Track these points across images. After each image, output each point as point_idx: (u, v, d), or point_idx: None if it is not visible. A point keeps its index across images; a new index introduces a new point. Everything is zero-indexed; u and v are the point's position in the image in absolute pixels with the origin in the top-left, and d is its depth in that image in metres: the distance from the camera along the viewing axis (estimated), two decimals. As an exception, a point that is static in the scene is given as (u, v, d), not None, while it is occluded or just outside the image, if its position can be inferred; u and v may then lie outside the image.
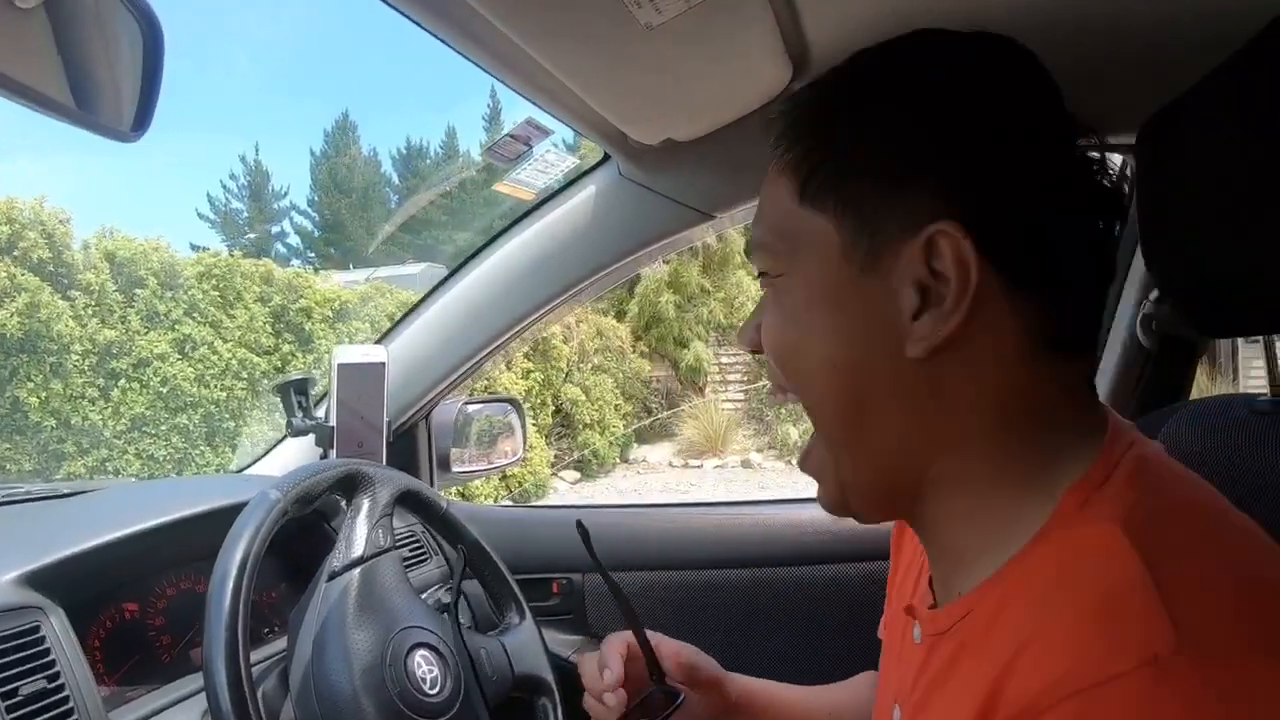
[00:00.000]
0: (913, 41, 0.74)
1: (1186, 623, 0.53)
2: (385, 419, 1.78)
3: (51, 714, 1.08)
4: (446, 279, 1.89)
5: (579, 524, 1.12)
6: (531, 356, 12.41)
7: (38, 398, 8.86)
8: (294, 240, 31.38)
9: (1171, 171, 0.89)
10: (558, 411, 13.18)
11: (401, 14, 1.04)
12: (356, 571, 1.23)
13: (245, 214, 30.33)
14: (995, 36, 0.73)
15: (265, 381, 9.98)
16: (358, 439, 1.75)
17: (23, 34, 0.71)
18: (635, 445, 14.80)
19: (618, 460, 14.21)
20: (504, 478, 10.75)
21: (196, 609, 1.09)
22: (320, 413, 1.82)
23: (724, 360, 15.96)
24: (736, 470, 13.67)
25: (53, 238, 9.03)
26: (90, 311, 9.23)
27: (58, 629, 1.15)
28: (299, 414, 1.78)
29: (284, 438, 1.95)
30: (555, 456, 12.93)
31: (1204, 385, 10.08)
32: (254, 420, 10.00)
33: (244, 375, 9.97)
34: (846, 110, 0.73)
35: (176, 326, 9.66)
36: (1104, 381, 1.73)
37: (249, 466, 2.03)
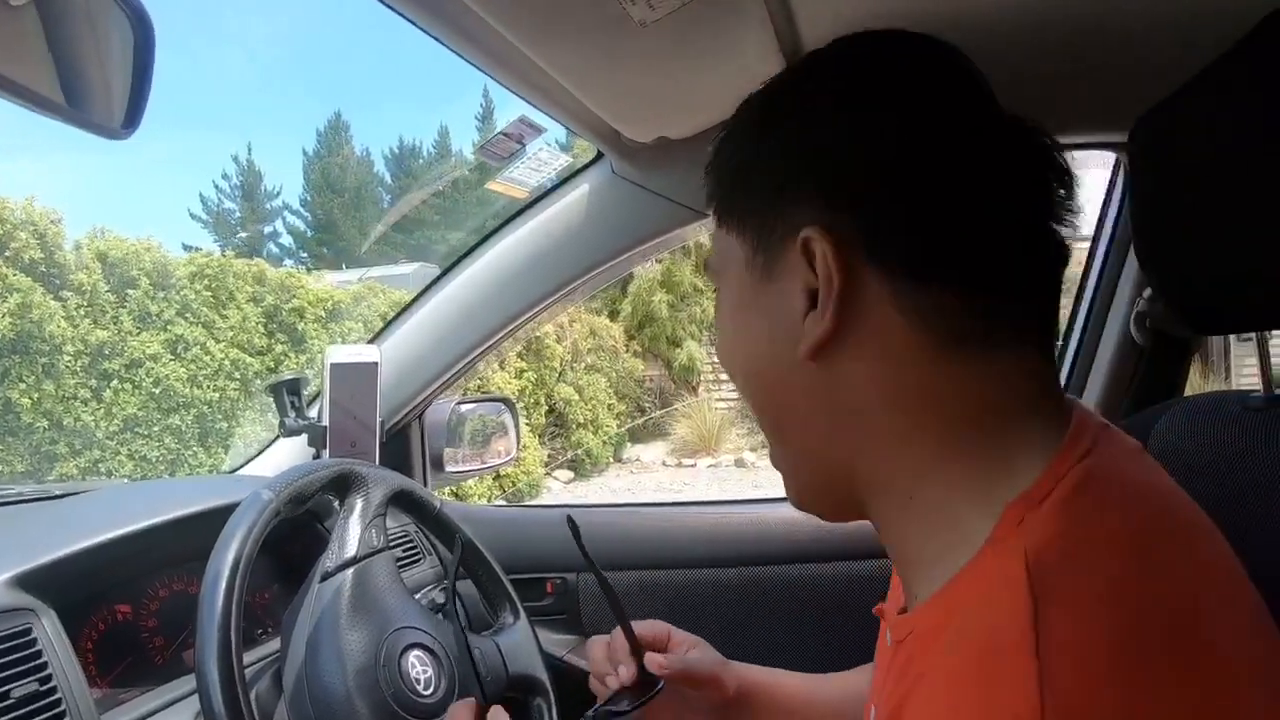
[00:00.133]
0: (816, 56, 0.77)
1: (1055, 689, 0.51)
2: (378, 419, 1.78)
3: (44, 717, 1.07)
4: (439, 278, 1.89)
5: (569, 519, 1.12)
6: (525, 356, 12.41)
7: (30, 399, 8.83)
8: (287, 240, 31.42)
9: (1164, 169, 0.89)
10: (551, 411, 13.17)
11: (395, 11, 1.04)
12: (350, 572, 1.22)
13: (238, 214, 30.35)
14: (907, 37, 0.74)
15: (258, 382, 9.97)
16: (351, 439, 1.75)
17: (13, 31, 0.70)
18: (629, 445, 14.81)
19: (611, 460, 14.22)
20: (497, 477, 10.75)
21: (189, 610, 1.08)
22: (313, 413, 1.81)
23: (717, 360, 15.97)
24: (730, 469, 13.67)
25: (44, 238, 9.01)
26: (82, 312, 9.21)
27: (50, 631, 1.14)
28: (292, 414, 1.78)
29: (277, 438, 1.95)
30: (549, 456, 12.93)
31: (1196, 383, 10.11)
32: (247, 421, 9.98)
33: (237, 376, 9.96)
34: (744, 133, 0.78)
35: (169, 327, 9.64)
36: (1097, 379, 1.73)
37: (242, 467, 2.03)
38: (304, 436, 1.77)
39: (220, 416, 9.88)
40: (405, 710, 1.15)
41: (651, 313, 15.21)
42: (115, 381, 9.29)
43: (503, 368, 11.74)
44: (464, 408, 2.15)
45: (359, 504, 1.29)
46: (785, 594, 1.87)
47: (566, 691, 1.20)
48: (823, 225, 0.68)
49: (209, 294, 9.97)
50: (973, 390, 0.68)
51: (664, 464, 14.11)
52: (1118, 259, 1.72)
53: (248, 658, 1.19)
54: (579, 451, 13.35)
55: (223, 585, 1.02)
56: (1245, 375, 11.93)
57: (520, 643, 1.41)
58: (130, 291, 9.50)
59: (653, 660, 1.12)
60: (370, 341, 1.91)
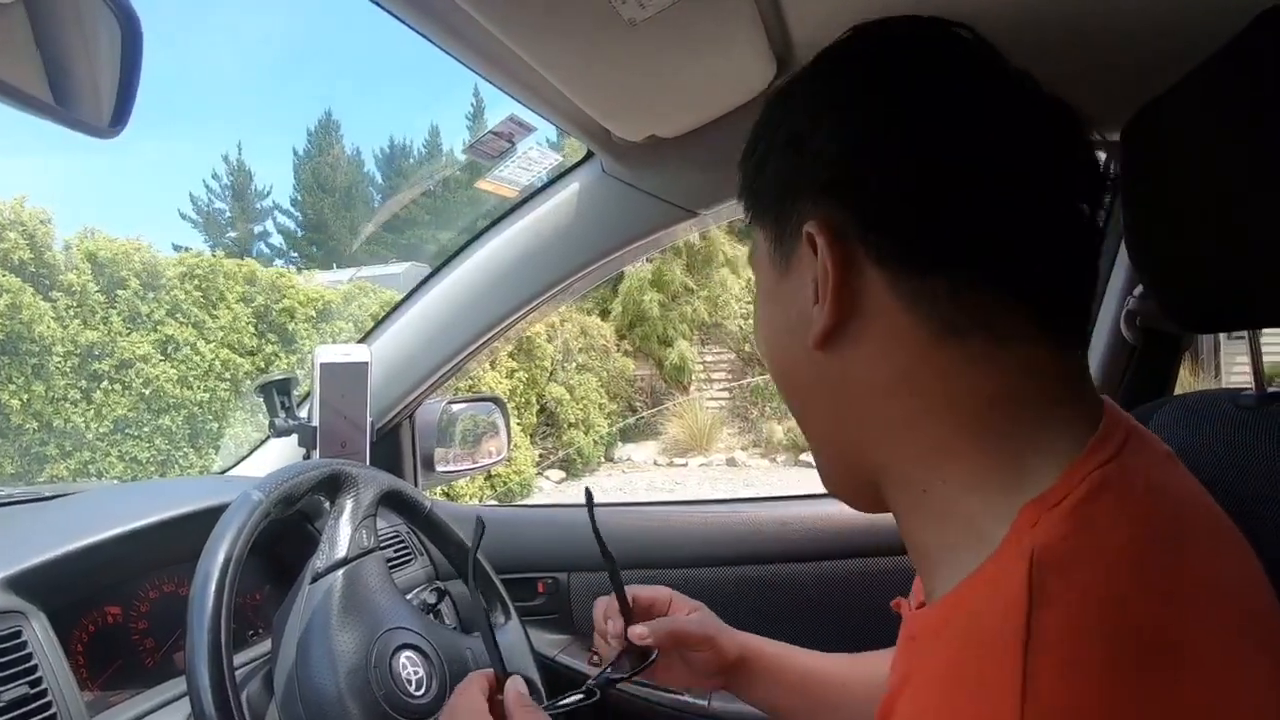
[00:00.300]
0: (829, 50, 0.77)
1: (1036, 689, 0.51)
2: (369, 419, 1.78)
3: (34, 720, 1.07)
4: (430, 278, 1.88)
5: (587, 490, 1.18)
6: (515, 355, 12.42)
7: (19, 400, 8.80)
8: (277, 240, 31.39)
9: (1156, 167, 0.89)
10: (542, 410, 13.18)
11: (385, 10, 1.04)
12: (340, 573, 1.22)
13: (228, 213, 30.30)
14: (912, 21, 0.74)
15: (248, 382, 9.95)
16: (341, 439, 1.74)
17: (1, 30, 0.70)
18: (620, 444, 14.83)
19: (602, 459, 14.23)
20: (488, 477, 10.77)
21: (179, 612, 1.08)
22: (303, 413, 1.81)
23: (708, 359, 16.01)
24: (721, 468, 13.70)
25: (34, 238, 8.98)
26: (72, 313, 9.18)
27: (40, 634, 1.14)
28: (282, 414, 1.77)
29: (267, 438, 1.94)
30: (540, 456, 12.94)
31: (1187, 381, 10.15)
32: (237, 421, 9.97)
33: (227, 376, 9.94)
34: (762, 129, 0.79)
35: (159, 327, 9.61)
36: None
37: (232, 468, 2.02)
38: (294, 437, 1.77)
39: (210, 417, 9.86)
40: (397, 711, 1.14)
41: (642, 312, 15.23)
42: (105, 382, 9.26)
43: (493, 367, 11.75)
44: (455, 407, 2.15)
45: (349, 504, 1.28)
46: (780, 591, 1.87)
47: (559, 691, 1.20)
48: (821, 218, 0.69)
49: (199, 294, 9.95)
50: (975, 383, 0.67)
51: (655, 463, 14.12)
52: (1108, 257, 1.72)
53: (238, 659, 1.19)
54: (570, 451, 13.36)
55: (213, 586, 1.02)
56: (1236, 373, 11.97)
57: (512, 643, 1.40)
58: (120, 292, 9.47)
59: (633, 631, 1.16)
60: (361, 341, 1.91)
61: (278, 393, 1.78)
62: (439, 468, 2.10)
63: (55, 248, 9.27)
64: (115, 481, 8.41)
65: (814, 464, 0.86)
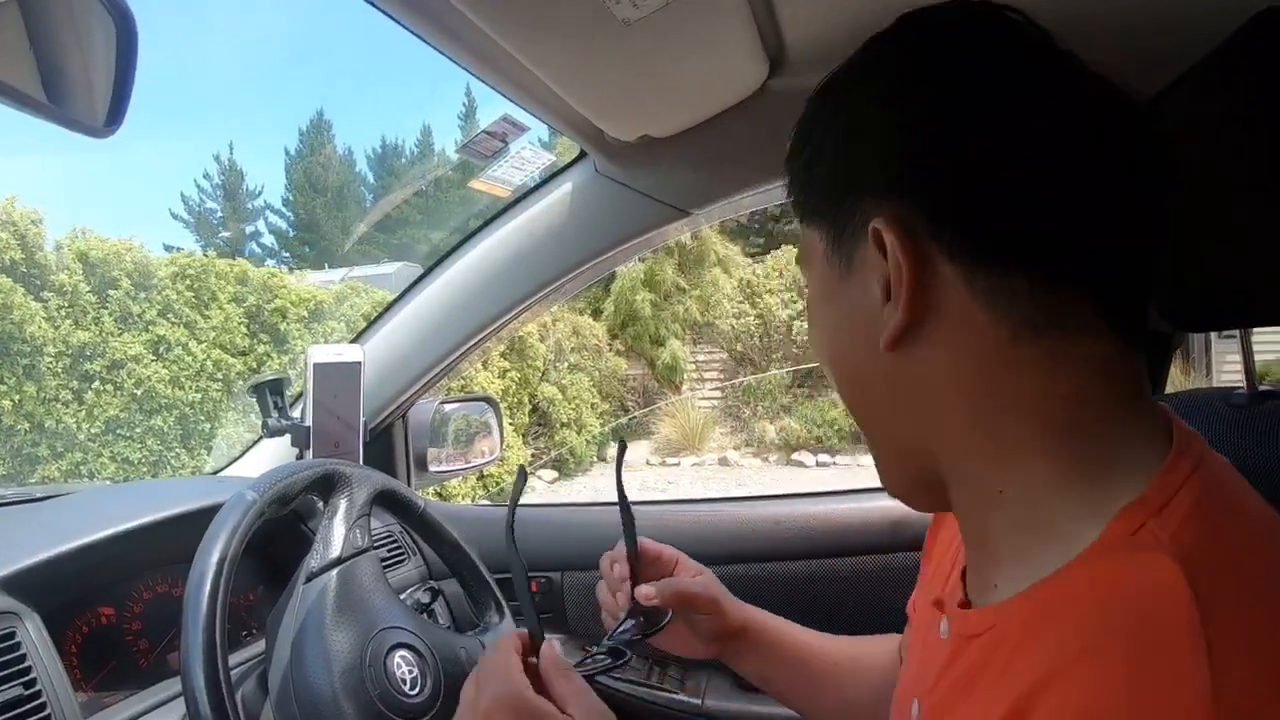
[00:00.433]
0: (877, 39, 0.75)
1: (1228, 687, 0.50)
2: (361, 419, 1.78)
3: (28, 721, 1.07)
4: (422, 278, 1.88)
5: (620, 440, 1.17)
6: (508, 355, 12.41)
7: (11, 401, 8.79)
8: (268, 240, 31.37)
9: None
10: (534, 410, 13.18)
11: (378, 9, 1.04)
12: (334, 572, 1.22)
13: (219, 213, 30.29)
14: (972, 9, 0.71)
15: (240, 382, 9.94)
16: (334, 439, 1.74)
17: (-6, 29, 0.70)
18: (612, 444, 14.80)
19: (595, 459, 14.22)
20: (481, 477, 10.74)
21: (173, 612, 1.08)
22: (296, 413, 1.81)
23: (700, 358, 16.01)
24: (714, 468, 13.70)
25: (25, 238, 8.97)
26: (63, 313, 9.17)
27: (33, 635, 1.14)
28: (275, 414, 1.77)
29: (260, 439, 1.94)
30: (532, 455, 12.94)
31: (1178, 379, 10.17)
32: (229, 421, 9.95)
33: (219, 376, 9.93)
34: (810, 126, 0.77)
35: (150, 328, 9.60)
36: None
37: (225, 468, 2.02)
38: (287, 437, 1.77)
39: (203, 417, 9.84)
40: (391, 710, 1.14)
41: (635, 311, 15.23)
42: (97, 383, 9.25)
43: (486, 367, 11.74)
44: (447, 407, 2.15)
45: (343, 504, 1.28)
46: (772, 590, 1.87)
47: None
48: (889, 214, 0.67)
49: (191, 294, 9.94)
50: (1050, 383, 0.66)
51: (648, 463, 14.11)
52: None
53: (233, 659, 1.18)
54: (563, 451, 13.35)
55: (207, 587, 1.02)
56: (1226, 372, 12.00)
57: (506, 642, 1.40)
58: (111, 292, 9.46)
59: (639, 591, 1.15)
60: (353, 341, 1.91)
61: (270, 393, 1.78)
62: (432, 468, 2.10)
63: (47, 248, 9.27)
64: (107, 482, 8.39)
65: (873, 464, 0.83)
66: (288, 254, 30.19)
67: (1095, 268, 0.65)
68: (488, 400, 2.34)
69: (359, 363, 1.76)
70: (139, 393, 9.44)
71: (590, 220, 1.69)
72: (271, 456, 1.94)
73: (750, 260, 16.55)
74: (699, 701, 1.79)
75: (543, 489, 12.68)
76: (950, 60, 0.68)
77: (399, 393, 1.93)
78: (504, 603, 1.46)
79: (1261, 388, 1.02)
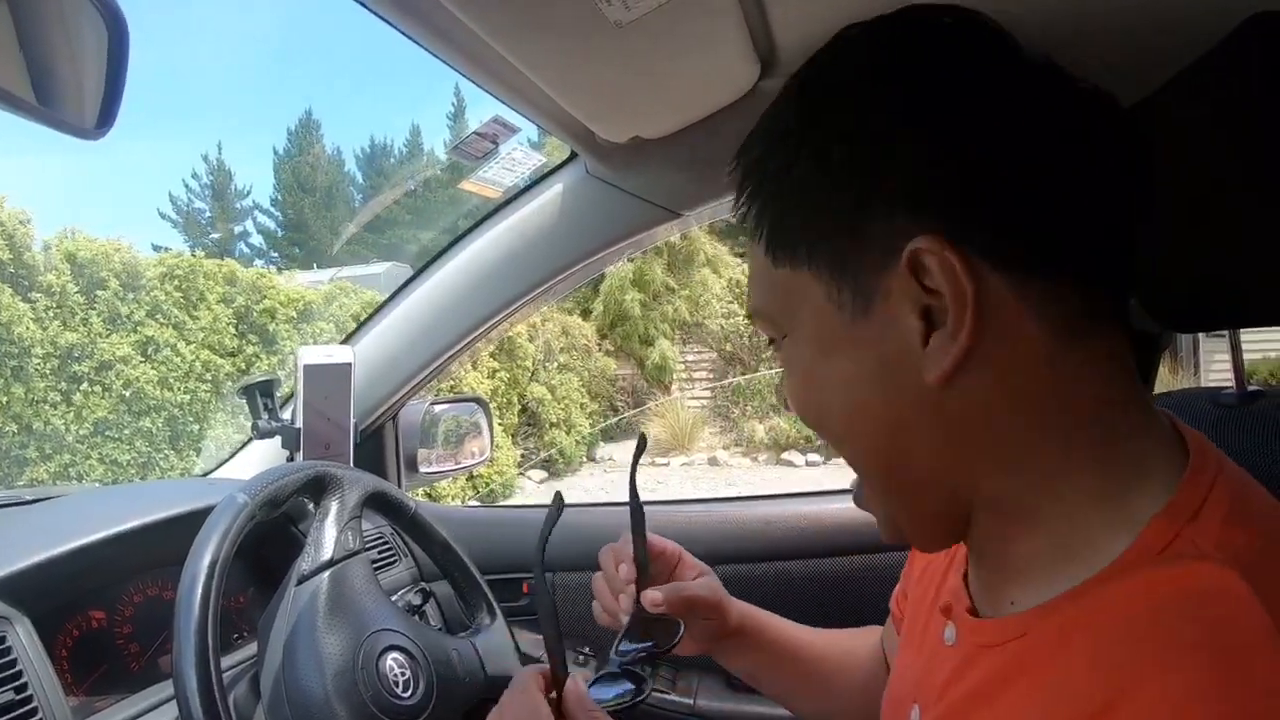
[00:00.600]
0: (847, 46, 0.70)
1: None
2: (352, 420, 1.78)
3: (19, 725, 1.07)
4: (412, 279, 1.88)
5: (641, 435, 1.15)
6: (497, 356, 12.40)
7: (-2, 402, 8.76)
8: (257, 240, 31.36)
9: (1140, 167, 0.90)
10: (524, 411, 13.17)
11: (367, 9, 1.04)
12: (326, 575, 1.22)
13: (208, 213, 30.25)
14: (945, 10, 0.67)
15: (229, 384, 9.91)
16: (324, 440, 1.74)
17: (-16, 31, 0.70)
18: (601, 444, 14.82)
19: (584, 459, 14.22)
20: (471, 478, 10.74)
21: (165, 616, 1.08)
22: (286, 414, 1.80)
23: (690, 358, 16.00)
24: (703, 468, 13.70)
25: (13, 239, 8.92)
26: (51, 314, 9.12)
27: (24, 639, 1.13)
28: (264, 416, 1.77)
29: (249, 440, 1.94)
30: (522, 456, 12.92)
31: (1166, 379, 10.20)
32: (219, 423, 9.92)
33: (208, 377, 9.89)
34: (788, 149, 0.69)
35: (139, 328, 9.56)
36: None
37: (215, 470, 2.01)
38: (277, 439, 1.76)
39: (192, 419, 9.81)
40: (384, 712, 1.14)
41: (624, 311, 15.22)
42: (85, 384, 9.21)
43: (475, 368, 11.73)
44: (437, 408, 2.15)
45: (334, 506, 1.28)
46: (763, 590, 1.87)
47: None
48: (932, 233, 0.61)
49: (179, 295, 9.90)
50: (1087, 383, 0.64)
51: (637, 462, 14.10)
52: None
53: (225, 663, 1.18)
54: (552, 451, 13.34)
55: (199, 590, 1.01)
56: (1215, 371, 12.04)
57: (498, 643, 1.41)
58: (100, 293, 9.42)
59: (647, 598, 1.09)
60: (343, 342, 1.91)
61: (260, 394, 1.77)
62: (422, 469, 2.10)
63: (34, 248, 9.22)
64: (97, 484, 8.36)
65: (875, 519, 0.77)
66: (276, 254, 30.21)
67: (1114, 265, 0.65)
68: (478, 401, 2.34)
69: (349, 364, 1.76)
70: (127, 394, 9.40)
71: (580, 221, 1.69)
72: (261, 458, 1.94)
73: (739, 260, 16.53)
74: (691, 701, 1.80)
75: (532, 489, 12.66)
76: (968, 65, 0.65)
77: (389, 394, 1.93)
78: (495, 604, 1.46)
79: (1250, 387, 1.02)
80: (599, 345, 15.26)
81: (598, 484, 12.98)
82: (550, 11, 1.02)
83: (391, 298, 1.90)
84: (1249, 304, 0.86)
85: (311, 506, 1.30)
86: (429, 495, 8.36)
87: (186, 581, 1.02)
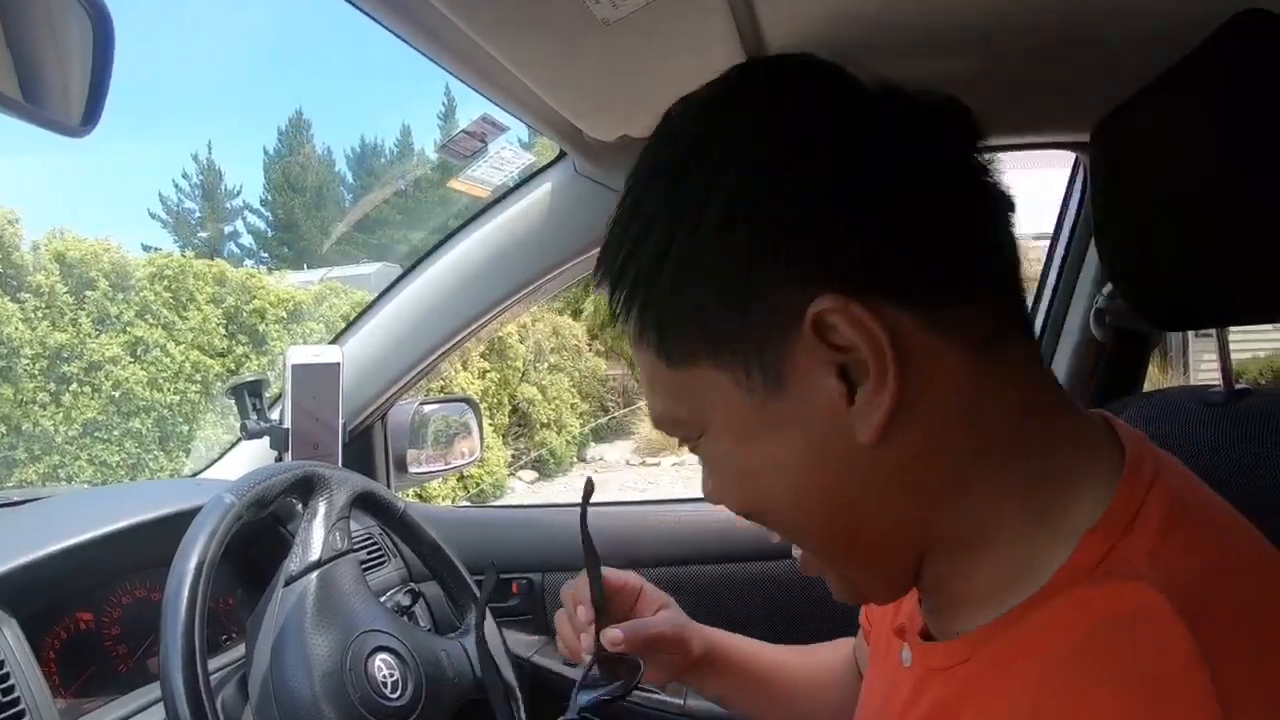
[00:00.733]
0: (687, 120, 0.69)
1: (1233, 701, 0.48)
2: (340, 420, 1.77)
3: (6, 728, 1.06)
4: (401, 278, 1.88)
5: (588, 480, 1.13)
6: (487, 356, 12.38)
7: (-13, 404, 8.73)
8: (247, 240, 31.22)
9: (1125, 169, 0.90)
10: (514, 411, 13.15)
11: (356, 7, 1.03)
12: (314, 575, 1.21)
13: (197, 213, 30.11)
14: (773, 64, 0.68)
15: (219, 384, 9.88)
16: (313, 441, 1.74)
17: (-33, 28, 0.69)
18: (592, 444, 14.81)
19: (575, 459, 14.21)
20: (461, 478, 10.72)
21: (152, 617, 1.07)
22: (275, 415, 1.80)
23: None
24: (695, 467, 13.51)
25: (2, 239, 8.89)
26: (40, 314, 9.08)
27: (11, 641, 1.13)
28: (253, 416, 1.77)
29: (238, 441, 1.93)
30: (512, 456, 12.90)
31: (1155, 378, 10.21)
32: (208, 423, 9.89)
33: (197, 378, 9.86)
34: (657, 241, 0.65)
35: (128, 329, 9.53)
36: (1058, 375, 1.74)
37: (204, 470, 2.01)
38: (266, 439, 1.76)
39: (181, 420, 9.78)
40: (372, 714, 1.14)
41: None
42: (74, 385, 9.17)
43: (465, 368, 11.71)
44: (427, 408, 2.14)
45: (322, 507, 1.28)
46: (754, 590, 1.87)
47: (534, 692, 1.20)
48: (831, 292, 0.59)
49: (169, 295, 9.86)
50: (1012, 392, 0.63)
51: (628, 463, 14.09)
52: (1077, 256, 1.73)
53: (212, 664, 1.18)
54: (543, 451, 13.33)
55: (186, 591, 1.01)
56: (1204, 371, 12.07)
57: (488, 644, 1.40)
58: (89, 293, 9.38)
59: (607, 637, 1.05)
60: (332, 342, 1.90)
61: (249, 394, 1.77)
62: (411, 469, 2.10)
63: (23, 248, 9.18)
64: (85, 485, 8.34)
65: (827, 581, 0.75)
66: (266, 254, 30.11)
67: (1008, 273, 0.65)
68: (467, 401, 2.34)
69: (338, 364, 1.76)
70: (117, 395, 9.37)
71: (569, 220, 1.68)
72: (250, 459, 1.93)
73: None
74: (680, 702, 1.79)
75: (523, 490, 12.65)
76: (817, 115, 0.63)
77: (378, 394, 1.92)
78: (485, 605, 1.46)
79: (1238, 386, 1.03)
80: (590, 345, 15.25)
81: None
82: (538, 9, 1.02)
83: (380, 297, 1.90)
84: (1236, 303, 0.87)
85: (299, 507, 1.29)
86: (419, 496, 8.35)
87: (173, 583, 1.02)
